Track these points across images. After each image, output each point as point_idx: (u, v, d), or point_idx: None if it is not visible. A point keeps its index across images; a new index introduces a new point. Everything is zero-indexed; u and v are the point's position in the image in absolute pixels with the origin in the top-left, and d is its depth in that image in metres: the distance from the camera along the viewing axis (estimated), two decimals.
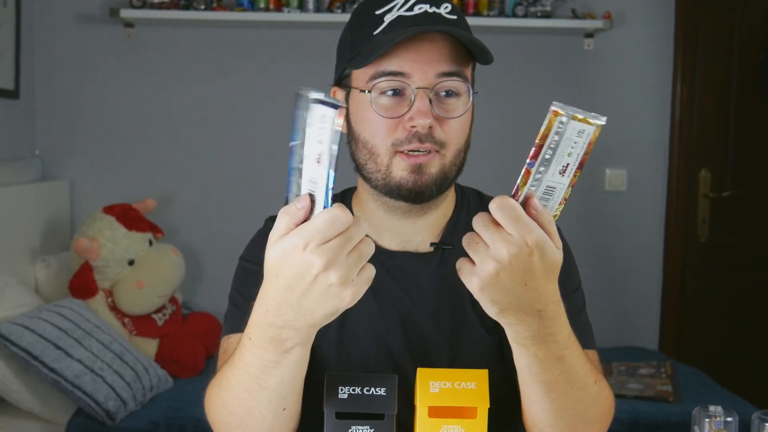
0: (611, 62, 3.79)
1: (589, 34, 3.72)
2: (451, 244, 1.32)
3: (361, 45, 1.25)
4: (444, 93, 1.24)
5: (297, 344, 0.99)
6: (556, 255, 0.98)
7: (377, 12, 1.26)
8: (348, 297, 0.92)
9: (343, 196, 1.43)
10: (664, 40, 3.79)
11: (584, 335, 1.26)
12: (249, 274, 1.39)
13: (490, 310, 0.99)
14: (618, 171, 3.83)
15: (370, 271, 0.93)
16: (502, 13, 3.58)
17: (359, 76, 1.26)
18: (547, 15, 3.58)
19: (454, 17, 1.26)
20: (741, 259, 3.87)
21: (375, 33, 1.24)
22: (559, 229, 1.12)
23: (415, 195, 1.25)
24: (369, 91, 1.23)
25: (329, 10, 3.56)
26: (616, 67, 3.80)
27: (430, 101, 1.21)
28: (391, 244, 1.35)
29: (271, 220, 1.42)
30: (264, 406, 1.08)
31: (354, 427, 1.02)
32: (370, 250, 0.93)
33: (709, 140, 3.84)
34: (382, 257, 1.31)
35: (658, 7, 3.78)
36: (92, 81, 3.70)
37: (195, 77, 3.72)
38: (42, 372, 2.63)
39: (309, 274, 0.91)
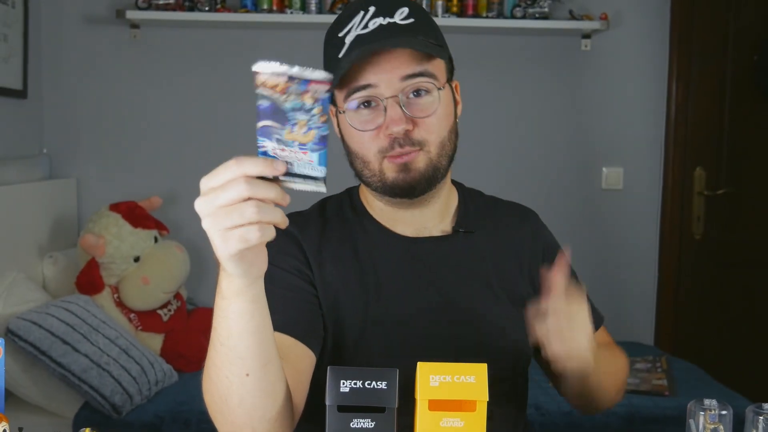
0: (608, 62, 3.79)
1: (586, 35, 3.72)
2: (471, 230, 1.44)
3: (331, 68, 1.31)
4: (413, 94, 1.31)
5: (232, 291, 1.02)
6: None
7: (339, 35, 1.33)
8: (216, 246, 0.95)
9: (350, 193, 1.49)
10: (660, 40, 3.79)
11: (597, 315, 1.50)
12: (269, 275, 1.36)
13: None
14: (614, 169, 3.83)
15: (247, 232, 0.92)
16: (500, 15, 3.58)
17: (339, 97, 1.34)
18: (544, 16, 3.58)
19: (411, 20, 1.32)
20: (735, 256, 3.87)
21: (339, 56, 1.31)
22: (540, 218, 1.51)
23: (408, 191, 1.34)
24: (343, 112, 1.33)
25: (331, 11, 3.56)
26: (613, 67, 3.80)
27: (402, 106, 1.29)
28: (406, 231, 1.42)
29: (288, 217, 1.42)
30: (226, 366, 1.08)
31: (355, 420, 1.02)
32: (252, 212, 0.91)
33: (703, 139, 3.84)
34: (404, 244, 1.41)
35: (654, 9, 3.78)
36: (99, 81, 3.70)
37: (199, 77, 3.72)
38: (49, 366, 2.63)
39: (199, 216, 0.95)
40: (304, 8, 3.54)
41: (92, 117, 3.71)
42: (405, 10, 1.32)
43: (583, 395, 1.39)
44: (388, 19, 1.31)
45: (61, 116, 3.69)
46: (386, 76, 1.29)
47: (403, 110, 1.29)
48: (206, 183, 0.95)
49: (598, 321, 1.48)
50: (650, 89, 3.81)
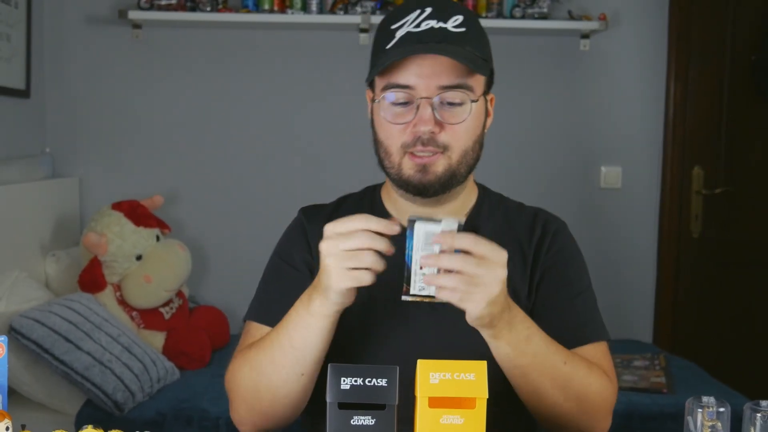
0: (606, 62, 3.79)
1: (585, 35, 3.71)
2: (475, 229, 1.41)
3: (376, 57, 1.38)
4: (447, 102, 1.34)
5: (323, 312, 1.22)
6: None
7: (392, 27, 1.36)
8: (333, 280, 1.16)
9: (374, 188, 1.55)
10: (658, 40, 3.79)
11: (593, 328, 1.43)
12: (278, 271, 1.49)
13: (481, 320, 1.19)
14: (613, 168, 3.83)
15: (362, 275, 1.15)
16: (500, 15, 3.59)
17: (378, 84, 1.38)
18: (544, 16, 3.58)
19: (462, 30, 1.35)
20: (733, 255, 3.87)
21: (387, 48, 1.35)
22: (568, 229, 1.51)
23: (421, 190, 1.38)
24: (378, 101, 1.37)
25: (332, 11, 3.56)
26: (611, 67, 3.80)
27: (434, 109, 1.32)
28: None
29: (302, 211, 1.55)
30: (290, 365, 1.27)
31: (356, 417, 1.02)
32: (369, 258, 1.14)
33: (701, 138, 3.83)
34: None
35: (652, 9, 3.78)
36: (101, 81, 3.70)
37: (201, 77, 3.72)
38: (52, 364, 2.63)
39: (321, 254, 1.18)
40: (305, 8, 3.54)
41: (94, 117, 3.71)
42: (459, 18, 1.35)
43: (527, 398, 1.33)
44: (441, 24, 1.34)
45: (63, 116, 3.69)
46: (426, 81, 1.32)
47: (434, 113, 1.32)
48: (332, 229, 1.17)
49: (591, 335, 1.42)
50: (649, 89, 3.81)
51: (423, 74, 1.32)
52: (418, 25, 1.34)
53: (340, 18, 3.52)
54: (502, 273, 1.15)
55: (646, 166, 3.84)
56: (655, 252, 3.88)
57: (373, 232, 1.14)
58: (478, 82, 1.37)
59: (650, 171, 3.85)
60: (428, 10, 1.34)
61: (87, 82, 3.69)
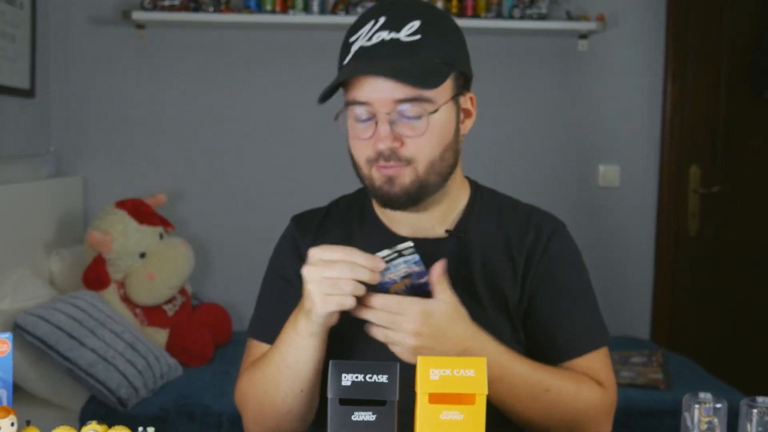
0: (604, 62, 3.79)
1: (583, 36, 3.71)
2: (463, 233, 1.42)
3: (339, 70, 1.34)
4: (405, 116, 1.29)
5: (308, 332, 1.24)
6: (442, 307, 1.21)
7: (350, 40, 1.33)
8: (315, 304, 1.19)
9: (364, 192, 1.48)
10: (656, 40, 3.79)
11: (589, 337, 1.40)
12: (273, 286, 1.49)
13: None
14: (611, 167, 3.83)
15: (343, 299, 1.17)
16: (499, 15, 3.58)
17: (344, 97, 1.35)
18: (542, 17, 3.57)
19: (416, 37, 1.29)
20: (729, 253, 3.86)
21: (344, 62, 1.33)
22: (565, 230, 1.47)
23: (389, 202, 1.35)
24: (336, 119, 1.36)
25: (333, 12, 3.56)
26: (609, 67, 3.80)
27: (393, 123, 1.29)
28: (403, 230, 1.43)
29: (293, 220, 1.53)
30: (287, 383, 1.29)
31: (357, 413, 1.02)
32: (349, 287, 1.17)
33: (698, 138, 3.83)
34: (399, 241, 1.38)
35: (650, 9, 3.78)
36: (105, 81, 3.70)
37: (203, 77, 3.72)
38: (56, 361, 2.63)
39: (304, 279, 1.21)
40: (306, 9, 3.54)
41: (98, 116, 3.71)
42: (415, 25, 1.29)
43: (513, 419, 1.33)
44: (392, 34, 1.28)
45: (67, 115, 3.69)
46: (380, 97, 1.28)
47: (392, 128, 1.29)
48: (317, 255, 1.19)
49: (586, 345, 1.39)
50: (646, 88, 3.81)
51: (377, 90, 1.28)
52: (370, 38, 1.29)
53: (341, 19, 3.52)
54: (410, 326, 1.19)
55: (644, 165, 3.84)
56: (653, 250, 3.87)
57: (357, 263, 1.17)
58: (440, 90, 1.30)
59: (648, 170, 3.84)
60: (381, 20, 1.29)
61: (91, 82, 3.69)
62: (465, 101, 1.40)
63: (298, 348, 1.26)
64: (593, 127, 3.83)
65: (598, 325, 1.43)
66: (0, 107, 3.04)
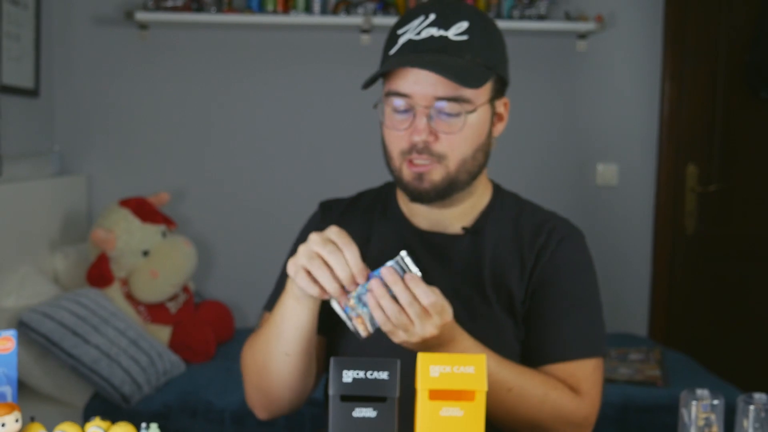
0: (603, 62, 3.78)
1: (582, 36, 3.71)
2: (478, 231, 1.43)
3: (382, 60, 1.36)
4: (443, 112, 1.31)
5: (291, 294, 1.26)
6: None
7: (397, 32, 1.35)
8: (290, 269, 1.22)
9: (389, 184, 1.52)
10: (653, 41, 3.78)
11: (580, 345, 1.38)
12: None
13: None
14: (609, 166, 3.83)
15: (308, 282, 1.20)
16: (498, 16, 3.58)
17: (384, 87, 1.37)
18: (541, 17, 3.57)
19: (464, 38, 1.31)
20: (726, 250, 3.87)
21: (390, 53, 1.34)
22: (581, 240, 1.47)
23: (418, 197, 1.37)
24: (375, 107, 1.37)
25: (334, 12, 3.56)
26: (608, 67, 3.79)
27: (430, 118, 1.31)
28: (423, 224, 1.44)
29: (321, 205, 1.56)
30: (273, 342, 1.31)
31: (357, 409, 1.02)
32: (324, 277, 1.18)
33: (696, 137, 3.83)
34: (412, 235, 1.44)
35: (648, 10, 3.77)
36: (108, 80, 3.70)
37: (206, 77, 3.72)
38: (61, 357, 2.63)
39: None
40: (308, 9, 3.54)
41: (102, 115, 3.71)
42: (463, 25, 1.32)
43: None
44: (441, 32, 1.31)
45: (71, 115, 3.69)
46: (422, 91, 1.30)
47: (429, 123, 1.31)
48: (326, 232, 1.21)
49: (575, 352, 1.37)
50: (644, 88, 3.81)
51: (420, 84, 1.30)
52: (419, 33, 1.31)
53: (341, 19, 3.51)
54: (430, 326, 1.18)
55: (642, 164, 3.84)
56: (651, 248, 3.87)
57: (346, 260, 1.18)
58: (479, 91, 1.33)
59: (645, 168, 3.84)
60: (432, 16, 1.32)
61: (95, 82, 3.69)
62: (499, 105, 1.43)
63: (285, 306, 1.28)
64: (592, 126, 3.82)
65: (594, 336, 1.40)
66: (5, 107, 3.04)
